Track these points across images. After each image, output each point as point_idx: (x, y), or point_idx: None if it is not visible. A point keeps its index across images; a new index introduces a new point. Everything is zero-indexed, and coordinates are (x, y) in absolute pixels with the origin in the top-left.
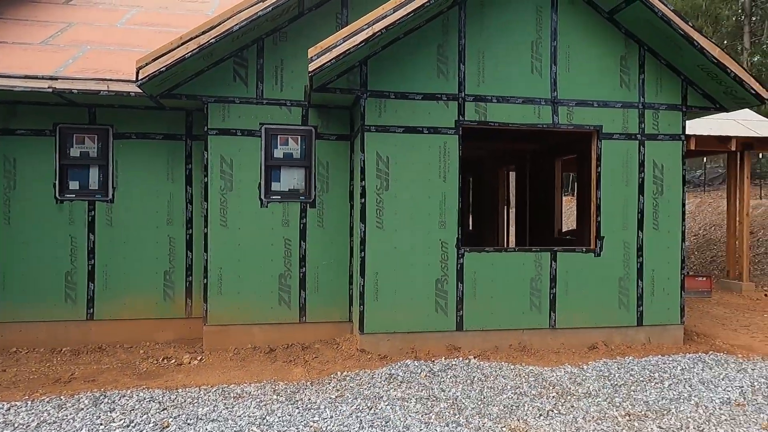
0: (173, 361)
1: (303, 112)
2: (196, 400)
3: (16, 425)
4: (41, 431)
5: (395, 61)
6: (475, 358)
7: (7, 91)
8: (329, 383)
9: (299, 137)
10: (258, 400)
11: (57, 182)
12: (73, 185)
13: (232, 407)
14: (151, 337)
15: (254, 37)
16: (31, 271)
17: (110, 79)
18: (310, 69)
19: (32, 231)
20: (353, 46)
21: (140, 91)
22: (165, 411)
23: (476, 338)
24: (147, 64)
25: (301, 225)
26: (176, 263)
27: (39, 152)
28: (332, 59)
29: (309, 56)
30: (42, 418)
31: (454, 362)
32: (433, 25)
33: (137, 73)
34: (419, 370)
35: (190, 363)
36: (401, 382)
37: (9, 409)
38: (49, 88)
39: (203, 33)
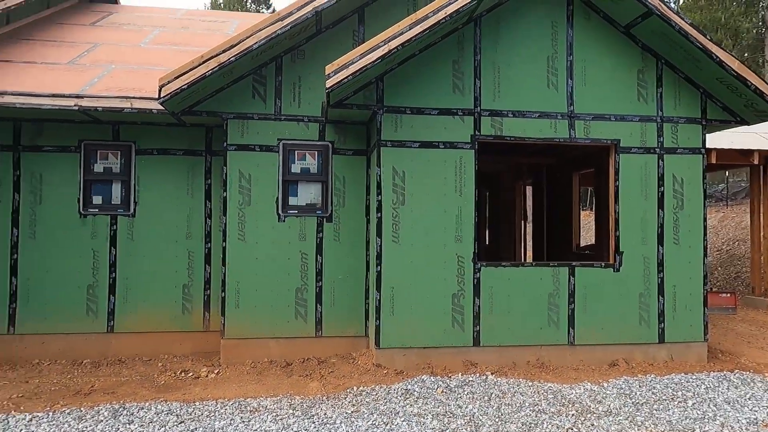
0: (191, 374)
1: (320, 127)
2: (213, 414)
3: None
4: None
5: (411, 77)
6: (492, 374)
7: (35, 109)
8: (345, 398)
9: (316, 152)
10: (274, 414)
11: (81, 197)
12: (97, 200)
13: (249, 421)
14: (169, 349)
15: (273, 54)
16: (55, 285)
17: (134, 97)
18: (328, 85)
19: (56, 245)
20: (370, 63)
21: (162, 108)
22: (182, 424)
23: (493, 354)
24: (169, 82)
25: (318, 239)
26: (195, 277)
27: (64, 168)
28: (349, 76)
29: (326, 73)
30: (63, 430)
31: (470, 378)
32: (448, 42)
33: (160, 90)
34: (436, 386)
35: (207, 376)
36: (417, 397)
37: (31, 420)
38: (75, 106)
39: (223, 51)
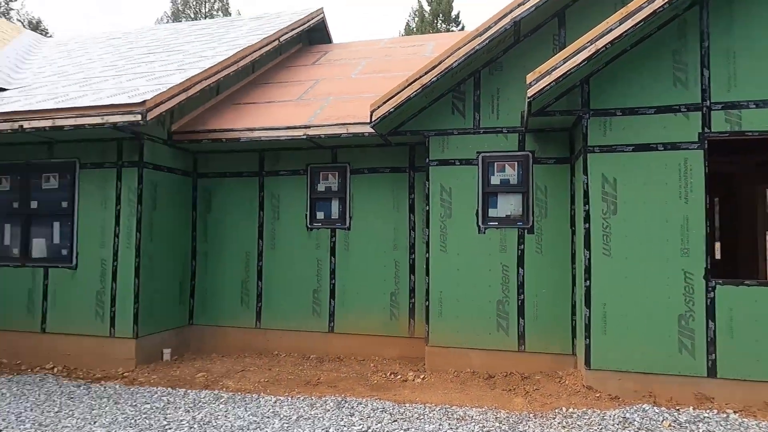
0: (399, 376)
1: (519, 137)
2: (422, 417)
3: (282, 416)
4: (300, 424)
5: (620, 76)
6: (735, 413)
7: (275, 140)
8: (554, 418)
9: (516, 163)
10: (480, 425)
11: (308, 213)
12: (320, 215)
13: (456, 428)
14: (379, 352)
15: (470, 70)
16: (288, 288)
17: (349, 123)
18: (529, 94)
19: (289, 254)
20: (574, 66)
21: (372, 131)
22: (395, 423)
23: (735, 389)
24: (378, 107)
25: (519, 251)
26: (401, 285)
27: (295, 189)
28: (551, 82)
29: (527, 81)
30: (299, 414)
31: (705, 414)
32: (666, 31)
33: (371, 115)
34: (660, 418)
35: (414, 380)
36: (638, 428)
37: (275, 402)
38: (303, 135)
39: (425, 73)
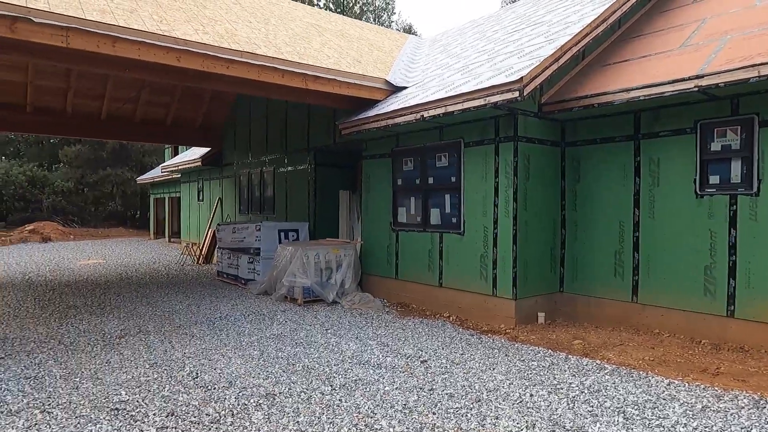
0: None
1: None
2: None
3: (681, 401)
4: (708, 415)
5: None
6: None
7: (656, 97)
8: None
9: None
10: None
11: (697, 178)
12: (713, 180)
13: None
14: None
15: None
16: (671, 262)
17: (760, 64)
18: None
19: (672, 224)
20: None
21: None
22: None
23: None
24: None
25: None
26: None
27: (678, 150)
28: None
29: None
30: (703, 403)
31: None
32: None
33: None
34: None
35: None
36: None
37: (669, 384)
38: (694, 87)
39: None
